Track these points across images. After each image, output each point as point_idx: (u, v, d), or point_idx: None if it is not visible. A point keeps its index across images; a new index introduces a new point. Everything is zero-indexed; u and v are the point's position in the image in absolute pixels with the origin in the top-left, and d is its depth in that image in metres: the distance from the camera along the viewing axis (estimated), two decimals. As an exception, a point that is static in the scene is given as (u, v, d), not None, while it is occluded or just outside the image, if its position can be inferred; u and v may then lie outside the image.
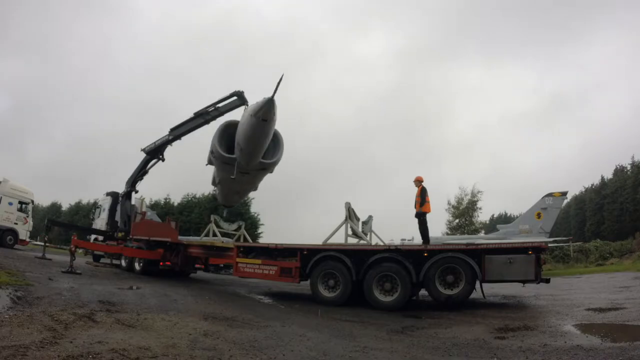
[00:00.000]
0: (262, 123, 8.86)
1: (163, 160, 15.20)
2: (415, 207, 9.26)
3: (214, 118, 13.38)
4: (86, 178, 77.54)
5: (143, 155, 15.22)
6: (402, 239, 20.39)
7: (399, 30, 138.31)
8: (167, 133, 14.37)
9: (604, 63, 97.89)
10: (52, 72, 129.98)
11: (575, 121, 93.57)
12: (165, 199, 46.42)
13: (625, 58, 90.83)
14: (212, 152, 10.87)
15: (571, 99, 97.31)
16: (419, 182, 9.32)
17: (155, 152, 14.93)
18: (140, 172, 15.44)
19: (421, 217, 9.24)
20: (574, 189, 57.78)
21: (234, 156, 10.22)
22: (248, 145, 9.72)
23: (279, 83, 8.05)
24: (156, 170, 15.62)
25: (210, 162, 12.11)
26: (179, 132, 14.15)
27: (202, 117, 13.48)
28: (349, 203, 9.89)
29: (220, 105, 13.28)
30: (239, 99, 12.88)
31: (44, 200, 61.69)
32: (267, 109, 8.55)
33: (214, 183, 13.71)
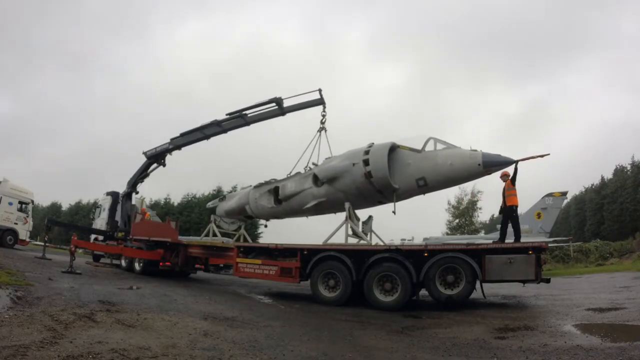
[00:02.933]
0: (482, 173, 8.66)
1: (164, 165, 15.34)
2: (506, 203, 8.74)
3: (247, 124, 13.16)
4: (94, 180, 79.05)
5: (145, 158, 15.32)
6: (402, 239, 20.42)
7: (401, 63, 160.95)
8: (168, 141, 14.45)
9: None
10: (73, 85, 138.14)
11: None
12: (165, 199, 46.50)
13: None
14: (369, 175, 9.36)
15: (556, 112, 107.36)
16: (507, 176, 8.75)
17: (156, 157, 15.04)
18: (142, 174, 15.56)
19: (513, 212, 8.75)
20: (574, 189, 57.81)
21: (397, 186, 9.31)
22: (441, 184, 9.21)
23: (532, 157, 8.40)
24: (158, 170, 15.71)
25: (328, 181, 10.28)
26: (179, 142, 14.24)
27: (217, 126, 13.34)
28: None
29: (256, 111, 12.90)
30: (279, 107, 12.58)
31: (44, 200, 61.97)
32: (502, 168, 8.59)
33: (285, 198, 11.57)
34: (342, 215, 10.16)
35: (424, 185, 9.22)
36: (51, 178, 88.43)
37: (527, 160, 8.54)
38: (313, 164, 11.65)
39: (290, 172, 12.18)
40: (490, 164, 8.49)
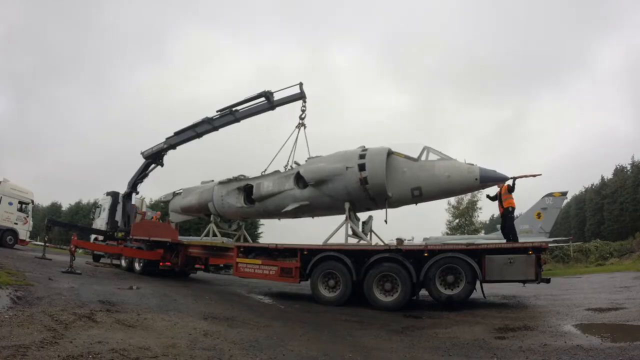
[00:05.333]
0: (478, 187, 9.11)
1: (162, 165, 15.28)
2: (503, 205, 8.88)
3: (237, 120, 12.79)
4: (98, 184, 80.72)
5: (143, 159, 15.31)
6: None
7: (403, 87, 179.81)
8: (163, 141, 14.44)
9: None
10: (93, 97, 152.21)
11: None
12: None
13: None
14: (364, 181, 9.03)
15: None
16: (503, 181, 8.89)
17: (154, 157, 15.00)
18: (141, 175, 15.55)
19: (508, 213, 8.94)
20: (574, 189, 57.94)
21: (390, 194, 9.13)
22: (436, 195, 9.18)
23: (525, 176, 8.94)
24: (159, 171, 15.72)
25: (316, 184, 9.76)
26: (173, 141, 14.19)
27: (208, 124, 13.18)
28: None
29: (246, 106, 12.55)
30: (268, 101, 12.10)
31: (44, 200, 62.31)
32: (497, 184, 8.81)
33: (260, 198, 10.96)
34: (339, 217, 10.14)
35: (419, 196, 9.12)
36: (60, 181, 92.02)
37: (520, 178, 8.87)
38: (295, 162, 11.02)
39: (265, 170, 11.51)
40: (486, 179, 8.65)
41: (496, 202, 9.17)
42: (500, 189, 8.98)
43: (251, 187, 11.43)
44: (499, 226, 23.68)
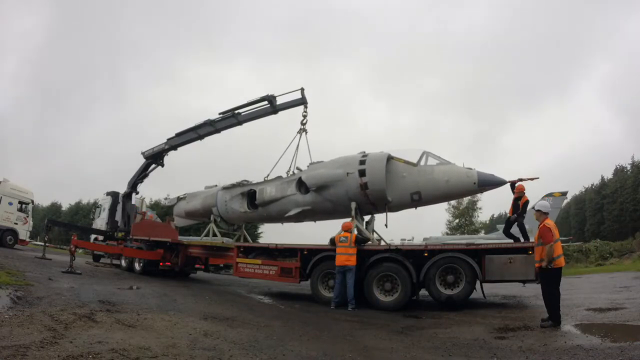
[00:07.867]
0: (476, 191, 9.47)
1: (162, 166, 15.28)
2: (519, 206, 9.09)
3: (240, 123, 12.86)
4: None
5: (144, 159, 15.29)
6: (402, 239, 20.37)
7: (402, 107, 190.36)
8: (165, 141, 14.45)
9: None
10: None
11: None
12: (165, 198, 46.42)
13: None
14: (364, 187, 9.16)
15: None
16: (522, 192, 9.00)
17: (154, 158, 14.99)
18: (141, 175, 15.55)
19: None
20: (574, 189, 57.97)
21: (390, 199, 9.23)
22: (435, 199, 9.35)
23: (523, 180, 8.98)
24: (159, 171, 15.72)
25: (317, 189, 9.86)
26: (175, 142, 14.20)
27: (210, 126, 13.18)
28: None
29: (248, 110, 12.58)
30: (271, 105, 12.16)
31: (44, 200, 62.41)
32: (495, 187, 8.99)
33: (264, 203, 11.11)
34: (337, 221, 10.13)
35: (418, 200, 9.21)
36: (62, 183, 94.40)
37: (518, 182, 8.92)
38: (297, 168, 11.19)
39: (268, 175, 11.72)
40: (484, 183, 8.76)
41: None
42: (519, 195, 8.96)
43: (254, 192, 11.62)
44: (499, 226, 23.64)
